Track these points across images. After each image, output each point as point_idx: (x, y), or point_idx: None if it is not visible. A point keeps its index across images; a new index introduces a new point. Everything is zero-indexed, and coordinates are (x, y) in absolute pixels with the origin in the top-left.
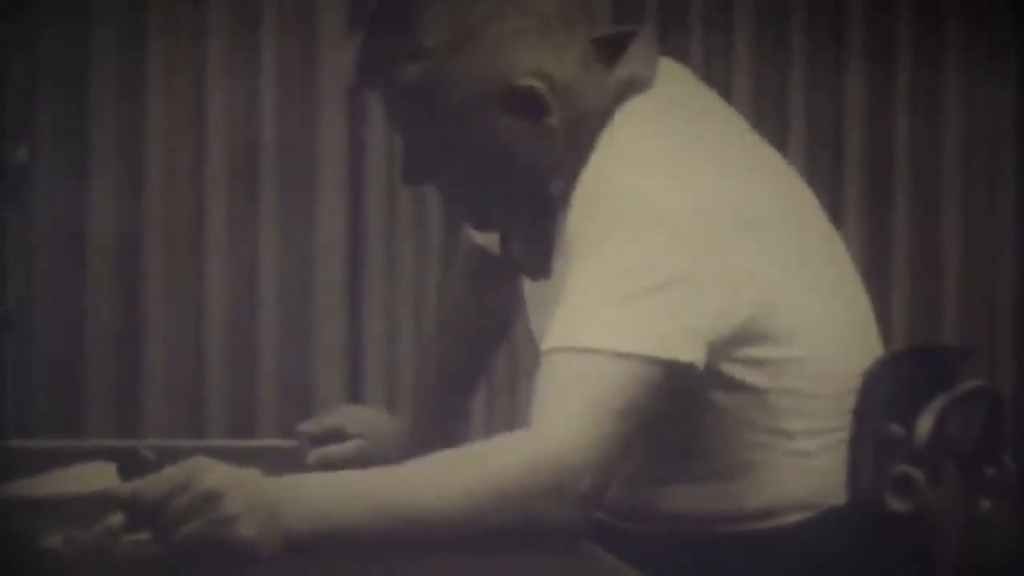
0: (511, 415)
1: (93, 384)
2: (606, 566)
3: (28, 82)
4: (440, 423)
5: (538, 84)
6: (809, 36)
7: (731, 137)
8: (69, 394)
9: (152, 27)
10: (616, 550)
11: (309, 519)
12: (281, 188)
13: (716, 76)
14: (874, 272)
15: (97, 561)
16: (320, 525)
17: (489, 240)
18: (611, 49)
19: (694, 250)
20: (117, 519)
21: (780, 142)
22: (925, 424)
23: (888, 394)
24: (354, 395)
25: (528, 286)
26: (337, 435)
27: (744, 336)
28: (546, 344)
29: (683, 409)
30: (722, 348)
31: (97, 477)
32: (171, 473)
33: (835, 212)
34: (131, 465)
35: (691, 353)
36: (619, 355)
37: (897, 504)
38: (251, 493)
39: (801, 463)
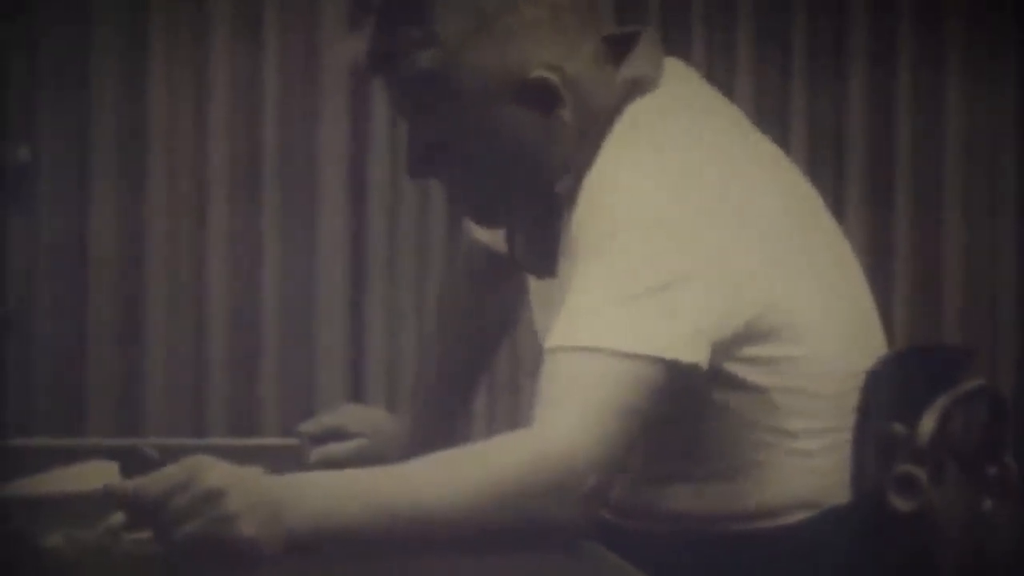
0: (513, 415)
1: (94, 383)
2: (608, 565)
3: (29, 82)
4: (441, 423)
5: (552, 76)
6: (810, 36)
7: (736, 137)
8: (70, 393)
9: (153, 26)
10: (618, 550)
11: (310, 518)
12: (283, 188)
13: (717, 76)
14: (875, 272)
15: (98, 560)
16: (321, 524)
17: (493, 238)
18: (618, 48)
19: (698, 250)
20: (118, 518)
21: (781, 142)
22: (928, 423)
23: (891, 393)
24: (355, 394)
25: (534, 285)
26: (338, 434)
27: (747, 335)
28: (549, 343)
29: (686, 409)
30: (725, 348)
31: (98, 476)
32: (172, 471)
33: (836, 212)
34: (133, 463)
35: (694, 353)
36: (622, 355)
37: (900, 503)
38: (252, 492)
39: (804, 462)
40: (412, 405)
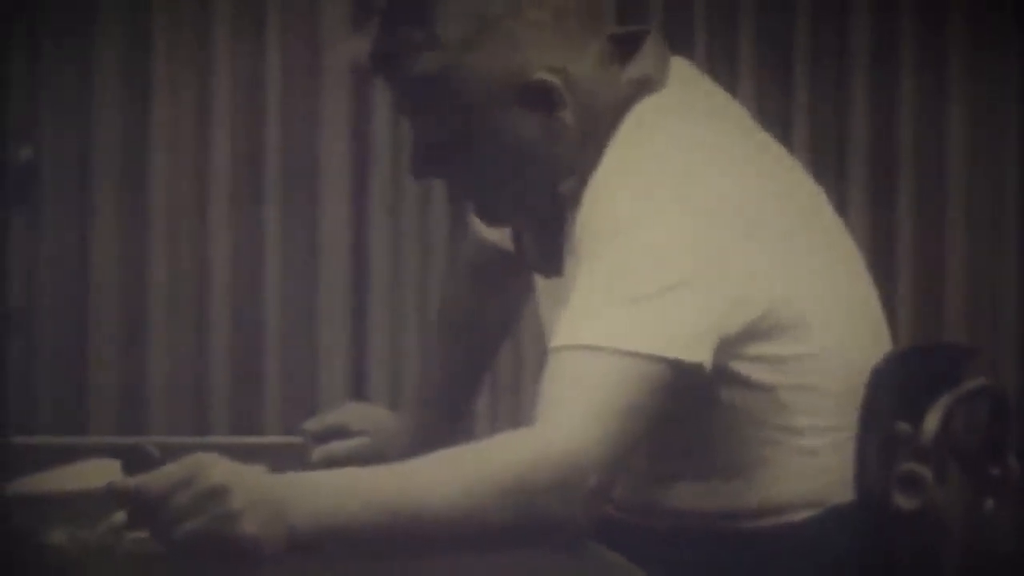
0: (515, 414)
1: (96, 382)
2: (611, 564)
3: (32, 82)
4: (444, 421)
5: (554, 79)
6: (812, 37)
7: (741, 137)
8: (72, 391)
9: (156, 26)
10: (622, 546)
11: (313, 516)
12: (285, 188)
13: (719, 77)
14: (878, 272)
15: (100, 558)
16: (324, 523)
17: (499, 236)
18: (623, 48)
19: (702, 250)
20: (120, 517)
21: (783, 143)
22: (932, 422)
23: (894, 392)
24: (358, 393)
25: (541, 284)
26: (341, 432)
27: (753, 333)
28: (553, 342)
29: (692, 407)
30: (731, 346)
31: (101, 474)
32: (174, 469)
33: (839, 213)
34: (135, 462)
35: (699, 353)
36: (626, 354)
37: (904, 502)
38: (255, 490)
39: (808, 460)
40: (414, 404)
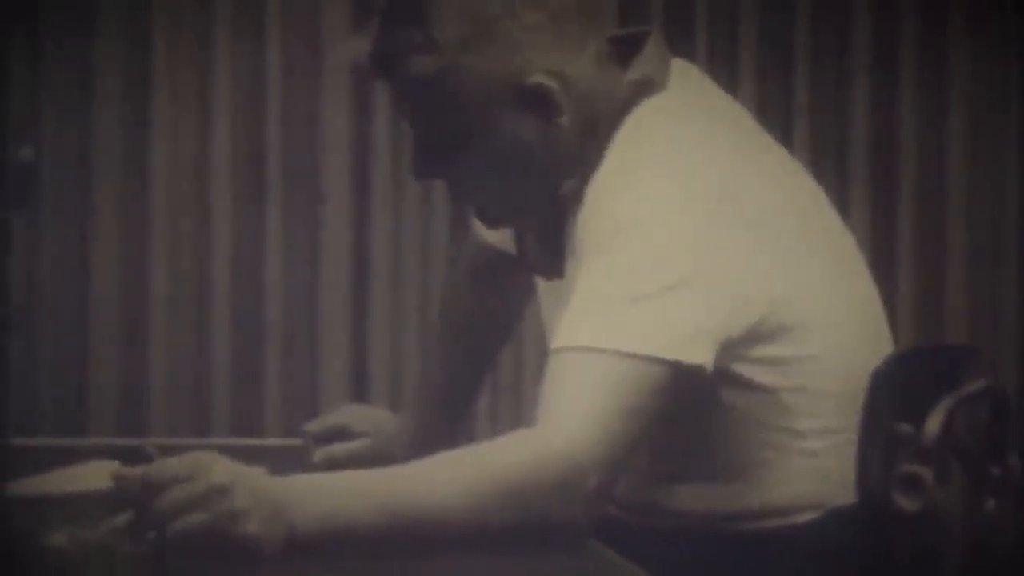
0: (516, 415)
1: (97, 383)
2: (612, 565)
3: (33, 81)
4: (444, 423)
5: (551, 82)
6: (813, 38)
7: (741, 139)
8: (73, 393)
9: (156, 26)
10: (623, 547)
11: (313, 518)
12: (286, 188)
13: (719, 78)
14: (879, 272)
15: (101, 559)
16: (325, 524)
17: (500, 238)
18: (624, 49)
19: (704, 251)
20: (122, 519)
21: (784, 144)
22: (933, 423)
23: (895, 393)
24: (358, 393)
25: (543, 286)
26: (342, 434)
27: (754, 336)
28: (554, 343)
29: (692, 408)
30: (732, 348)
31: (101, 475)
32: (177, 463)
33: (839, 212)
34: (135, 463)
35: (700, 354)
36: (626, 355)
37: (905, 503)
38: (256, 490)
39: (810, 462)
40: (416, 404)
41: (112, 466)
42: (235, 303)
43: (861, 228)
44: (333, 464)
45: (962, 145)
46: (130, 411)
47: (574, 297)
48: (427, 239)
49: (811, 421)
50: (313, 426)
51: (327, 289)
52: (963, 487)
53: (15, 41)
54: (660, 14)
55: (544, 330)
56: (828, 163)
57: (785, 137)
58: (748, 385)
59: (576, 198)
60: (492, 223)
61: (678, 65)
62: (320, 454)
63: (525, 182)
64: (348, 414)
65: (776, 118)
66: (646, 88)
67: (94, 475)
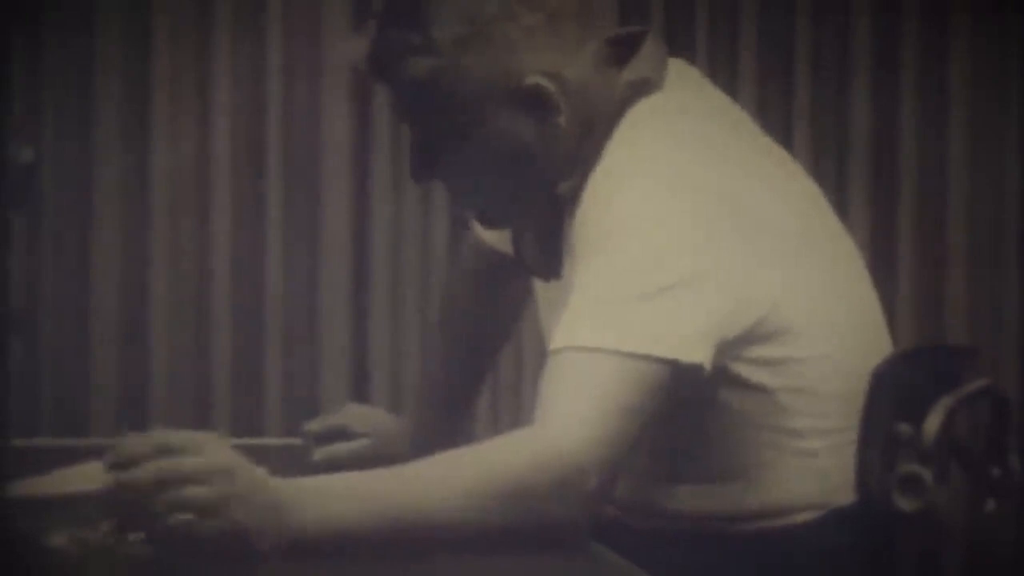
0: (516, 415)
1: (97, 383)
2: (611, 565)
3: (33, 81)
4: (444, 423)
5: (548, 83)
6: (813, 38)
7: (739, 138)
8: (73, 393)
9: (157, 25)
10: (623, 547)
11: (313, 520)
12: (286, 187)
13: (720, 78)
14: (879, 272)
15: (102, 560)
16: (324, 526)
17: (498, 239)
18: (621, 50)
19: (702, 251)
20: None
21: (784, 144)
22: (933, 423)
23: (895, 393)
24: (359, 394)
25: (540, 287)
26: (342, 434)
27: (753, 336)
28: (552, 344)
29: (691, 409)
30: (731, 348)
31: (101, 476)
32: (183, 436)
33: (839, 212)
34: None
35: (698, 354)
36: (625, 355)
37: (905, 503)
38: (256, 481)
39: (809, 463)
40: (416, 405)
41: None
42: (235, 303)
43: (861, 228)
44: (333, 464)
45: (962, 145)
46: (130, 410)
47: (572, 297)
48: (427, 239)
49: (810, 421)
50: (313, 426)
51: (327, 289)
52: (963, 487)
53: (15, 41)
54: (660, 14)
55: (542, 331)
56: (828, 163)
57: (785, 138)
58: (746, 385)
59: (573, 198)
60: (490, 224)
61: (675, 65)
62: (320, 454)
63: (522, 183)
64: (348, 414)
65: (776, 119)
66: (643, 88)
67: (94, 475)
